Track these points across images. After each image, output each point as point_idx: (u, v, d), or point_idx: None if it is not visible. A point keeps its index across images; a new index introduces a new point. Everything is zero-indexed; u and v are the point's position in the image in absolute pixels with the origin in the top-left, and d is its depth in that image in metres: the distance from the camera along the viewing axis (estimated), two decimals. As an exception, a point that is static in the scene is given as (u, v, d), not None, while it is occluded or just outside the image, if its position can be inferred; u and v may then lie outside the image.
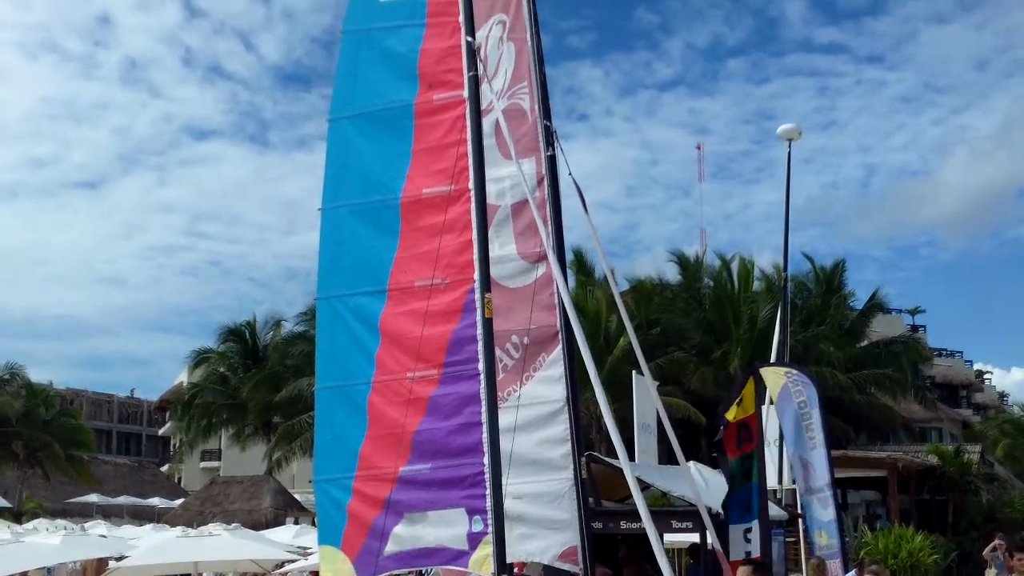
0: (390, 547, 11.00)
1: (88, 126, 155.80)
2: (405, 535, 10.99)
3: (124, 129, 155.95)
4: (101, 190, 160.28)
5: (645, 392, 19.44)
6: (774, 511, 16.25)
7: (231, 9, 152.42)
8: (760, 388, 14.38)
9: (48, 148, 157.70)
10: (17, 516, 50.39)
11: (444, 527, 10.74)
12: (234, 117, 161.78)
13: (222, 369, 58.59)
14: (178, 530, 26.28)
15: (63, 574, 27.75)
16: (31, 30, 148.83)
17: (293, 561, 20.96)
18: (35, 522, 37.25)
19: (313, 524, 38.35)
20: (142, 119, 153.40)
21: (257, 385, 54.33)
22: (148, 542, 24.96)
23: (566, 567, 12.04)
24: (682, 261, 47.86)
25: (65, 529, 27.51)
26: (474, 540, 10.55)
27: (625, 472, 10.13)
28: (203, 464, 78.21)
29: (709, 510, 11.63)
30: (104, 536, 28.41)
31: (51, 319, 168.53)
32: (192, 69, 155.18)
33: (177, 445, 76.04)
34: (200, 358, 59.48)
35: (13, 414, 56.32)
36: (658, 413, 14.57)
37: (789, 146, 25.20)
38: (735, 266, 45.39)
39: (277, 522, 40.84)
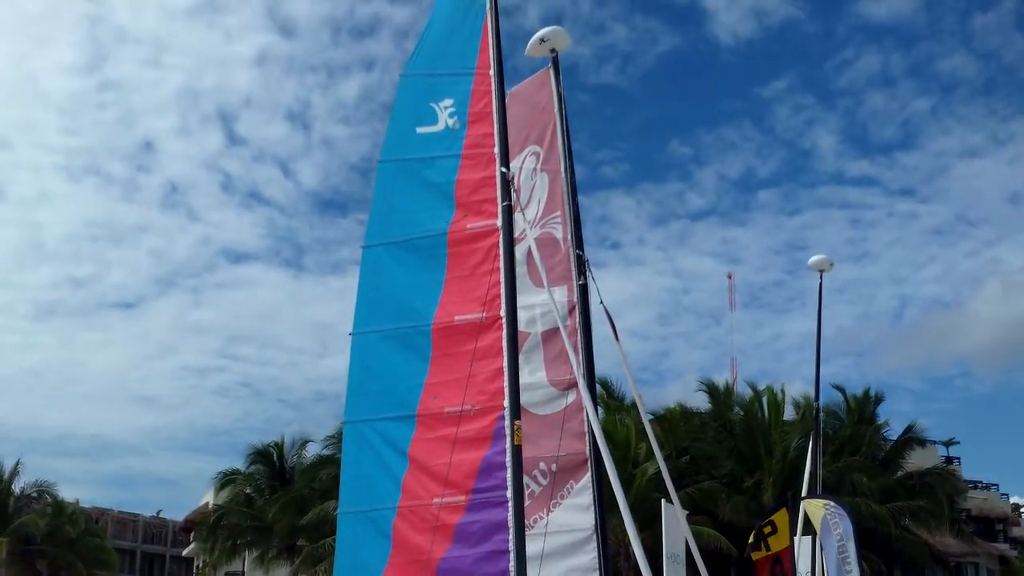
0: None
1: (127, 247, 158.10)
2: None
3: (162, 251, 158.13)
4: (137, 310, 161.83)
5: (674, 521, 19.15)
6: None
7: (271, 137, 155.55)
8: (793, 520, 14.23)
9: (87, 269, 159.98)
10: (39, 637, 49.95)
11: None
12: (270, 241, 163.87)
13: (248, 490, 58.34)
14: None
15: None
16: (77, 154, 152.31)
17: None
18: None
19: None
20: (180, 242, 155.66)
21: (283, 507, 53.98)
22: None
23: None
24: (712, 390, 47.67)
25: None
26: (502, 671, 10.38)
27: (654, 604, 10.00)
28: (226, 586, 77.23)
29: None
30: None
31: (83, 438, 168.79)
32: (231, 194, 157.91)
33: (200, 566, 75.19)
34: (226, 479, 59.28)
35: (38, 532, 56.11)
36: (687, 543, 14.40)
37: (821, 277, 25.19)
38: (766, 396, 45.15)
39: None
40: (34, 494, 59.72)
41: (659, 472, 34.45)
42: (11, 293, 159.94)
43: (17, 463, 59.04)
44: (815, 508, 18.43)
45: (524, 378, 11.14)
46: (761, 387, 46.02)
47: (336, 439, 53.75)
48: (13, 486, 58.67)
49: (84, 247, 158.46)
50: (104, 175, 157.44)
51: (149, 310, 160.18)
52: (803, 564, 21.17)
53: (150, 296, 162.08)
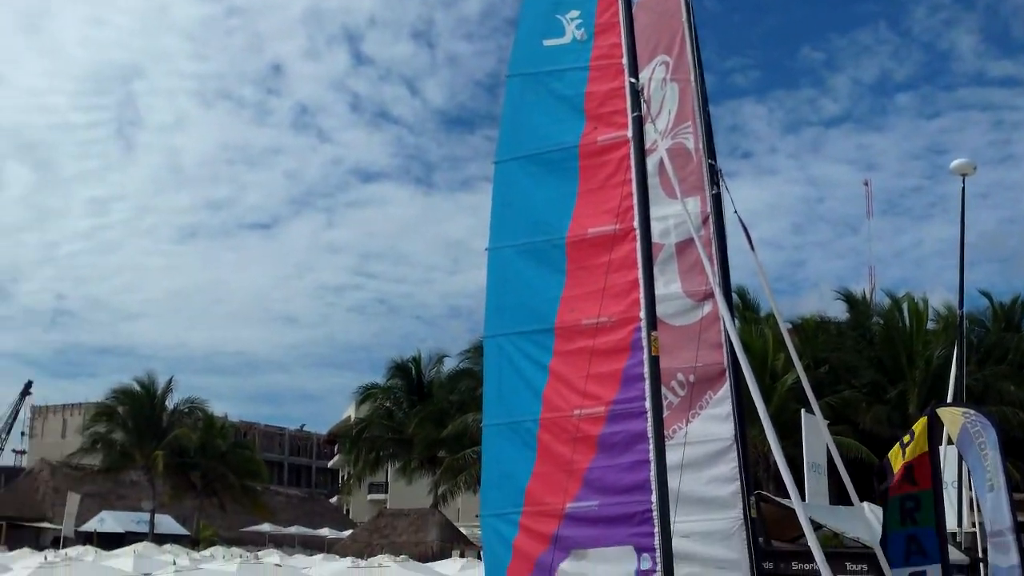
0: (556, 583, 11.05)
1: (261, 170, 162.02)
2: (571, 571, 11.03)
3: (295, 173, 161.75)
4: (274, 231, 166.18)
5: (815, 431, 19.06)
6: (954, 555, 15.69)
7: (397, 56, 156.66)
8: (936, 428, 13.94)
9: (224, 191, 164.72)
10: (194, 543, 52.37)
11: (612, 564, 10.74)
12: (400, 160, 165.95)
13: (388, 404, 59.80)
14: (348, 561, 26.86)
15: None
16: (208, 80, 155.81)
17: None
18: (211, 550, 38.67)
19: (478, 558, 38.68)
20: (312, 163, 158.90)
21: (422, 420, 55.26)
22: (320, 572, 25.58)
23: (735, 607, 11.92)
24: (850, 299, 46.81)
25: (240, 557, 28.37)
26: (643, 578, 10.53)
27: (797, 511, 9.98)
28: (370, 496, 79.70)
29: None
30: (279, 565, 29.22)
31: (229, 355, 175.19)
32: (359, 114, 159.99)
33: (345, 478, 77.68)
34: (367, 393, 60.85)
35: (192, 446, 58.49)
36: (829, 452, 14.31)
37: (963, 181, 24.37)
38: (906, 304, 44.16)
39: (443, 555, 41.28)
40: (186, 410, 62.21)
41: (797, 383, 34.24)
42: (154, 217, 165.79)
43: (170, 380, 61.61)
44: (953, 416, 18.01)
45: (659, 289, 11.10)
46: (901, 295, 45.09)
47: (472, 353, 54.68)
48: (167, 402, 61.22)
49: (220, 170, 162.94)
50: (236, 99, 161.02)
51: (285, 230, 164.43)
52: (948, 474, 20.84)
53: (285, 217, 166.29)
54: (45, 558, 25.30)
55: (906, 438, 12.64)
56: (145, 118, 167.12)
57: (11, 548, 42.69)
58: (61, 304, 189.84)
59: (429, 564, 29.20)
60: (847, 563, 15.29)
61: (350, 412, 73.59)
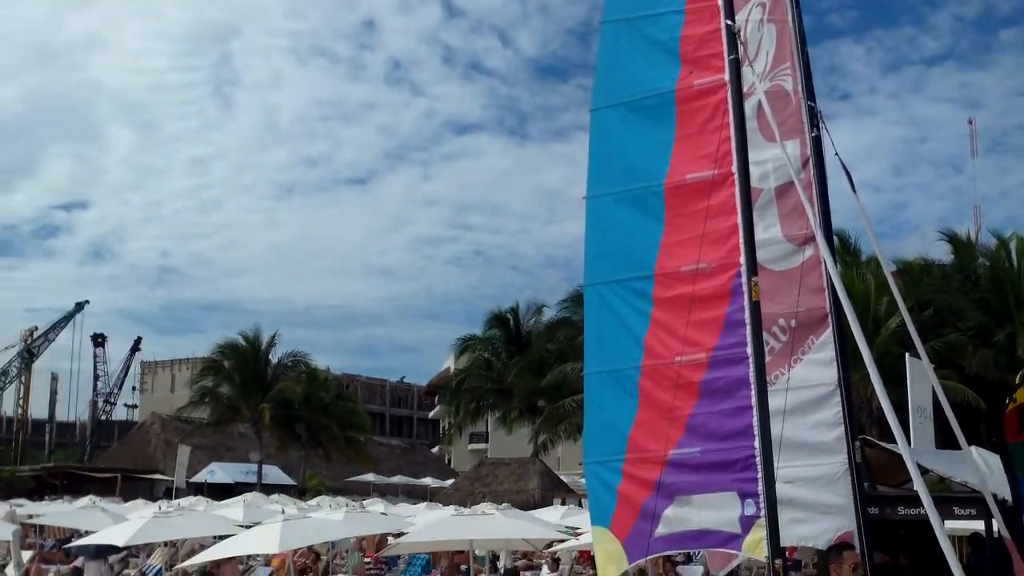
0: (661, 529, 11.11)
1: (356, 125, 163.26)
2: (675, 517, 11.09)
3: (389, 127, 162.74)
4: (370, 186, 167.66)
5: (920, 375, 18.76)
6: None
7: (488, 6, 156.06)
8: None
9: (321, 147, 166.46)
10: (301, 493, 53.56)
11: (715, 510, 10.77)
12: (493, 111, 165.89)
13: (487, 355, 60.26)
14: (451, 509, 27.30)
15: (345, 546, 29.25)
16: (302, 37, 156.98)
17: (563, 541, 21.39)
18: (318, 499, 39.50)
19: (580, 505, 39.01)
20: (406, 117, 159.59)
21: (521, 370, 55.59)
22: (424, 520, 26.04)
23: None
24: (954, 240, 45.68)
25: (346, 506, 28.96)
26: (747, 523, 10.53)
27: (904, 456, 9.87)
28: (471, 446, 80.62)
29: (995, 497, 11.17)
30: (384, 513, 29.80)
31: (328, 309, 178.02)
32: (452, 67, 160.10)
33: (446, 428, 78.62)
34: (465, 344, 61.39)
35: (296, 398, 59.60)
36: (935, 396, 14.09)
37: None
38: (1014, 244, 42.97)
39: (544, 503, 41.67)
40: (289, 363, 63.36)
41: (900, 327, 33.71)
42: (253, 174, 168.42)
43: (274, 335, 62.75)
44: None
45: (759, 234, 11.00)
46: (1008, 236, 43.85)
47: (569, 302, 54.76)
48: (271, 356, 62.43)
49: (316, 127, 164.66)
50: (329, 56, 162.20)
51: (380, 185, 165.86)
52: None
53: (381, 171, 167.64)
54: (159, 507, 26.13)
55: (1017, 380, 12.35)
56: (241, 77, 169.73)
57: (126, 499, 44.18)
58: (166, 262, 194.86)
59: (531, 512, 29.50)
60: (955, 508, 15.06)
61: (449, 363, 74.35)
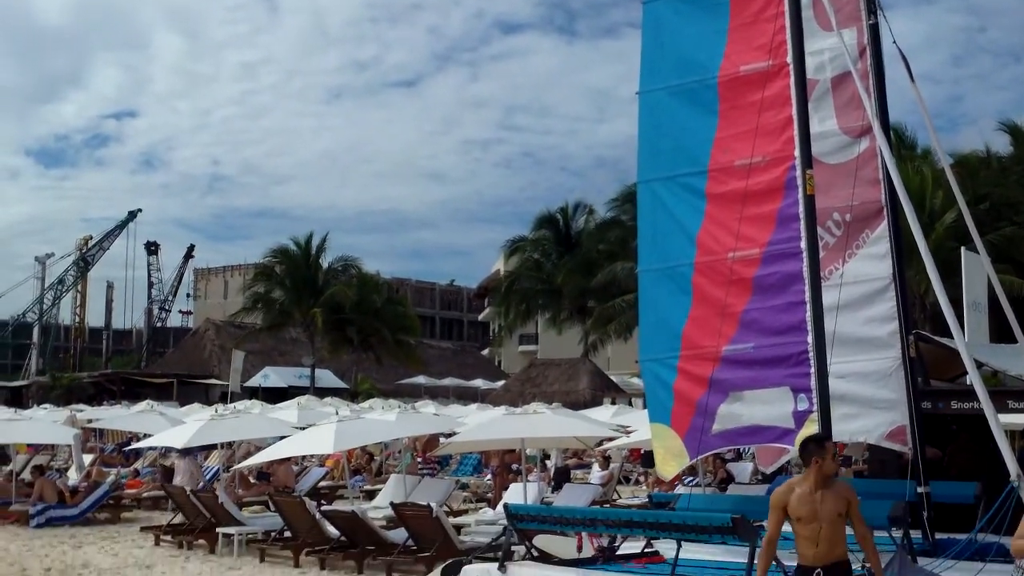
0: (716, 425, 11.12)
1: (404, 27, 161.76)
2: (729, 414, 11.08)
3: (437, 28, 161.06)
4: (418, 88, 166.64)
5: (976, 268, 18.45)
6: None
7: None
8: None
9: (369, 50, 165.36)
10: (353, 396, 54.21)
11: (769, 406, 10.75)
12: (542, 9, 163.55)
13: (536, 256, 60.25)
14: (502, 409, 27.53)
15: (397, 447, 29.66)
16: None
17: (613, 439, 21.52)
18: (370, 401, 39.96)
19: (629, 405, 39.19)
20: (454, 17, 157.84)
21: (571, 271, 55.57)
22: (476, 419, 26.27)
23: (894, 447, 11.84)
24: (1014, 131, 44.65)
25: (398, 408, 29.30)
26: (800, 418, 10.51)
27: (959, 349, 9.78)
28: (521, 348, 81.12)
29: (1050, 390, 11.06)
30: (436, 414, 30.11)
31: (379, 214, 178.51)
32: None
33: (496, 330, 79.05)
34: (515, 246, 61.39)
35: (347, 303, 60.01)
36: (991, 290, 13.91)
37: None
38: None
39: (594, 403, 41.93)
40: (340, 268, 63.68)
41: (956, 222, 33.18)
42: (303, 79, 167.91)
43: (324, 239, 63.02)
44: None
45: (814, 127, 10.82)
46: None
47: (619, 202, 54.44)
48: (322, 261, 62.78)
49: (364, 29, 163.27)
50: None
51: (429, 87, 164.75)
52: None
53: (429, 73, 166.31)
54: (216, 411, 26.57)
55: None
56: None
57: (182, 404, 44.97)
58: (217, 170, 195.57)
59: (581, 412, 29.70)
60: (1009, 401, 14.89)
61: (499, 265, 74.49)
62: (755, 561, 9.22)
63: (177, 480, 23.19)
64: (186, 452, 23.92)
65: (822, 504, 7.59)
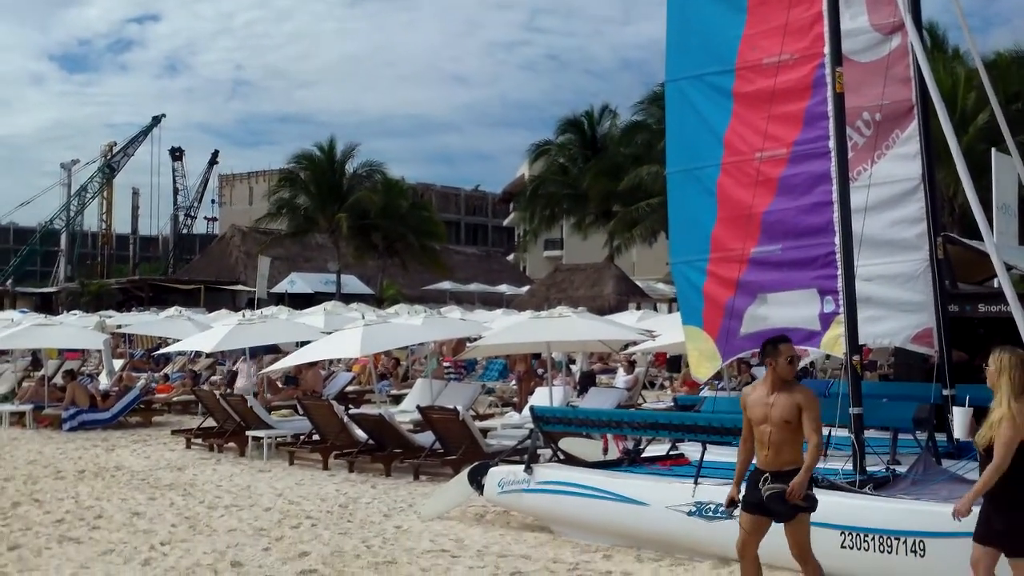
0: (744, 328, 11.12)
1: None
2: (757, 316, 11.07)
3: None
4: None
5: (1007, 170, 18.20)
6: None
7: None
8: None
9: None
10: (379, 302, 54.44)
11: (795, 308, 10.71)
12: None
13: (561, 160, 59.90)
14: (528, 313, 27.61)
15: (423, 353, 29.86)
16: None
17: (638, 343, 21.57)
18: (396, 307, 40.10)
19: (654, 310, 39.22)
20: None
21: (596, 175, 55.24)
22: (502, 323, 26.37)
23: (920, 350, 11.79)
24: (1047, 28, 43.74)
25: (425, 312, 29.43)
26: (826, 320, 10.48)
27: (989, 251, 9.67)
28: (546, 253, 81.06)
29: (1079, 292, 10.93)
30: (462, 319, 30.25)
31: (403, 118, 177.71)
32: None
33: (521, 235, 78.94)
34: (540, 150, 61.01)
35: (372, 208, 59.98)
36: (1021, 193, 13.73)
37: None
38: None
39: (619, 308, 41.97)
40: (364, 173, 63.53)
41: (988, 123, 32.65)
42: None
43: (349, 146, 62.79)
44: None
45: (844, 23, 10.58)
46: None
47: (645, 104, 53.82)
48: (346, 166, 62.63)
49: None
50: None
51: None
52: None
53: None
54: (243, 316, 26.78)
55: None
56: None
57: (210, 310, 45.30)
58: (240, 74, 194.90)
59: (607, 316, 29.75)
60: (1037, 304, 14.79)
61: (524, 170, 74.16)
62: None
63: (240, 383, 23.42)
64: (252, 354, 24.14)
65: (773, 408, 7.48)
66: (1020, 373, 6.87)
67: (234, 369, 26.46)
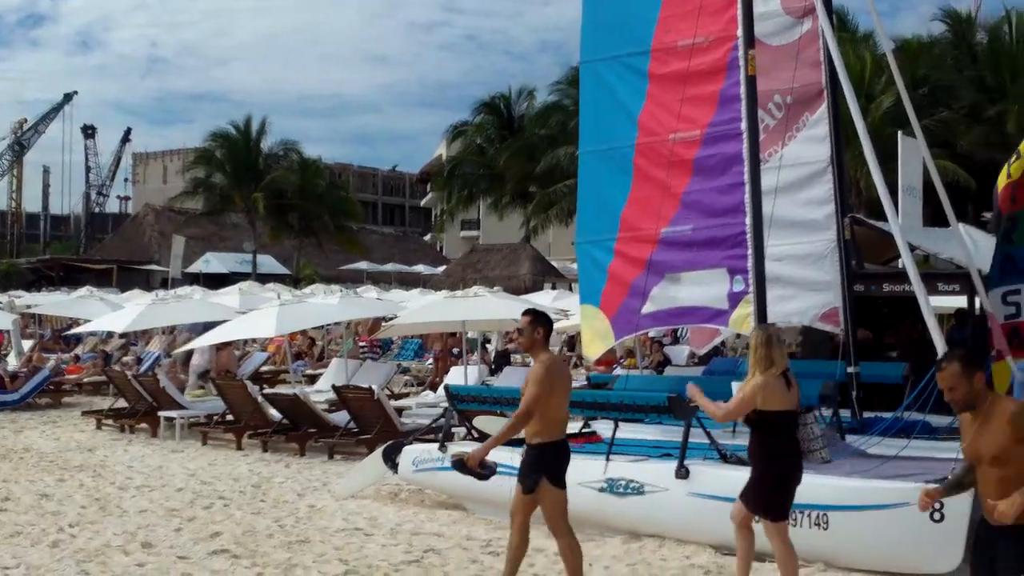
0: (648, 307, 11.26)
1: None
2: (664, 295, 11.22)
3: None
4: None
5: (913, 153, 18.54)
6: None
7: None
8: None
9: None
10: (295, 281, 54.06)
11: (705, 287, 10.88)
12: None
13: (479, 141, 59.83)
14: (444, 293, 27.61)
15: (339, 332, 29.69)
16: None
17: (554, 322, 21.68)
18: (312, 287, 39.80)
19: (570, 290, 39.42)
20: None
21: (513, 155, 55.29)
22: (418, 303, 26.33)
23: (827, 328, 12.05)
24: (952, 16, 44.73)
25: (341, 292, 29.26)
26: (735, 299, 10.67)
27: (894, 232, 9.92)
28: (463, 233, 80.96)
29: (980, 272, 11.25)
30: (378, 299, 30.12)
31: (322, 98, 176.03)
32: None
33: (438, 215, 78.80)
34: (458, 131, 60.84)
35: (289, 187, 59.47)
36: (926, 175, 14.03)
37: None
38: (1015, 17, 42.10)
39: (535, 288, 42.08)
40: (281, 152, 62.92)
41: (893, 106, 33.33)
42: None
43: (264, 122, 62.09)
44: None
45: (757, 7, 10.74)
46: (1011, 9, 42.96)
47: (562, 85, 53.99)
48: (262, 145, 61.96)
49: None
50: None
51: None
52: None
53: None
54: (156, 296, 26.40)
55: (1013, 158, 12.20)
56: None
57: (123, 290, 44.52)
58: (155, 51, 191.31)
59: (523, 296, 29.84)
60: (939, 284, 15.21)
61: (441, 150, 73.91)
62: (689, 440, 9.46)
63: (196, 360, 22.94)
64: (206, 329, 23.51)
65: (527, 384, 7.63)
66: (766, 350, 7.35)
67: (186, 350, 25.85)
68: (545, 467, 7.47)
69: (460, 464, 7.60)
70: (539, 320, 7.71)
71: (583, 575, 7.70)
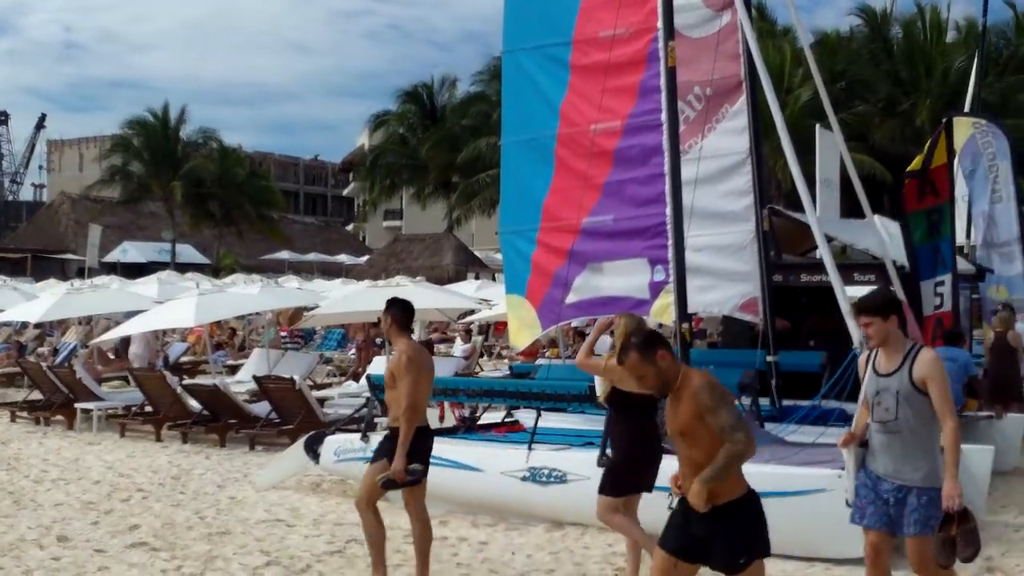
0: (571, 297, 11.34)
1: None
2: (586, 285, 11.29)
3: None
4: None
5: (829, 146, 18.96)
6: (962, 265, 15.93)
7: None
8: (951, 140, 13.79)
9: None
10: (215, 271, 53.46)
11: (625, 277, 10.97)
12: None
13: (401, 131, 59.62)
14: (366, 283, 27.48)
15: (260, 323, 29.44)
16: None
17: (476, 312, 21.73)
18: (232, 277, 39.46)
19: (493, 280, 39.49)
20: None
21: (435, 145, 55.22)
22: (339, 293, 26.19)
23: (746, 318, 12.23)
24: (868, 12, 45.59)
25: (262, 282, 29.02)
26: (655, 289, 10.77)
27: (811, 224, 10.08)
28: (386, 223, 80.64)
29: (894, 263, 11.51)
30: (299, 288, 29.90)
31: (242, 87, 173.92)
32: None
33: (360, 205, 78.37)
34: (380, 121, 60.57)
35: (208, 176, 58.75)
36: (843, 168, 14.30)
37: None
38: (928, 14, 43.06)
39: (459, 278, 42.09)
40: (200, 140, 62.16)
41: (812, 99, 33.87)
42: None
43: (183, 110, 61.25)
44: (962, 127, 17.96)
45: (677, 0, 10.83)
46: (924, 5, 43.90)
47: (485, 76, 54.04)
48: (181, 133, 61.12)
49: None
50: None
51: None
52: (958, 186, 20.86)
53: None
54: (72, 284, 25.93)
55: (925, 149, 12.48)
56: None
57: (37, 279, 43.65)
58: (70, 37, 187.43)
59: (446, 286, 29.84)
60: (855, 274, 15.49)
61: (364, 140, 73.49)
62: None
63: (134, 349, 22.45)
64: None
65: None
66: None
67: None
68: (412, 452, 7.54)
69: (391, 483, 7.62)
70: (390, 307, 7.76)
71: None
